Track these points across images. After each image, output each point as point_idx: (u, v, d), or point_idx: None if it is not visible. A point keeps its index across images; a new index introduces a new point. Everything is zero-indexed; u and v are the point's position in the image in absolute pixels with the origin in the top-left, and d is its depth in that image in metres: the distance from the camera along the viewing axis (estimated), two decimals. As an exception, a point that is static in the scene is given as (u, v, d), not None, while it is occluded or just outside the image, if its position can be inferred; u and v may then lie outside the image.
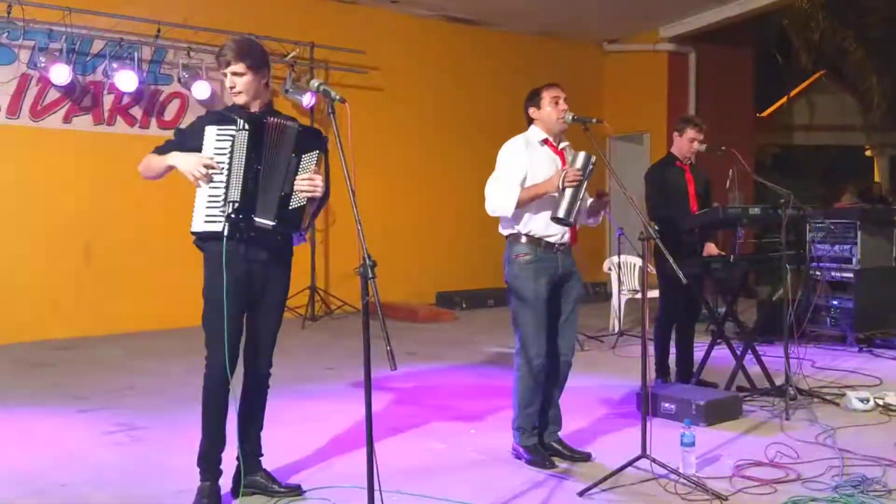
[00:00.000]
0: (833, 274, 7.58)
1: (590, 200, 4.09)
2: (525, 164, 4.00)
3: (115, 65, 7.87)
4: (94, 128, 8.15)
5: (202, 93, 8.35)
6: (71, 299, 7.98)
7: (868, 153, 19.29)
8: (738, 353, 5.45)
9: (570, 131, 4.16)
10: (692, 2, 11.12)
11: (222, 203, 3.31)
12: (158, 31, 8.11)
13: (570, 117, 4.03)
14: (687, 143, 5.50)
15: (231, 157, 3.31)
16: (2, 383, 5.98)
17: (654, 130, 12.55)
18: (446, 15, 10.67)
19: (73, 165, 8.00)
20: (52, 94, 7.85)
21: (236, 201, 3.31)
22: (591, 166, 3.89)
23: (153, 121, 8.55)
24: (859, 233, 7.42)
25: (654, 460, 3.72)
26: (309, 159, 3.44)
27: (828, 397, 5.35)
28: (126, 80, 7.79)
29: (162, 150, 3.44)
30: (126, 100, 8.31)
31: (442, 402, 5.46)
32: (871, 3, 16.58)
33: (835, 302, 7.51)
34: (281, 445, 4.14)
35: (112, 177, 7.88)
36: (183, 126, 3.68)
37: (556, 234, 4.02)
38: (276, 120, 3.41)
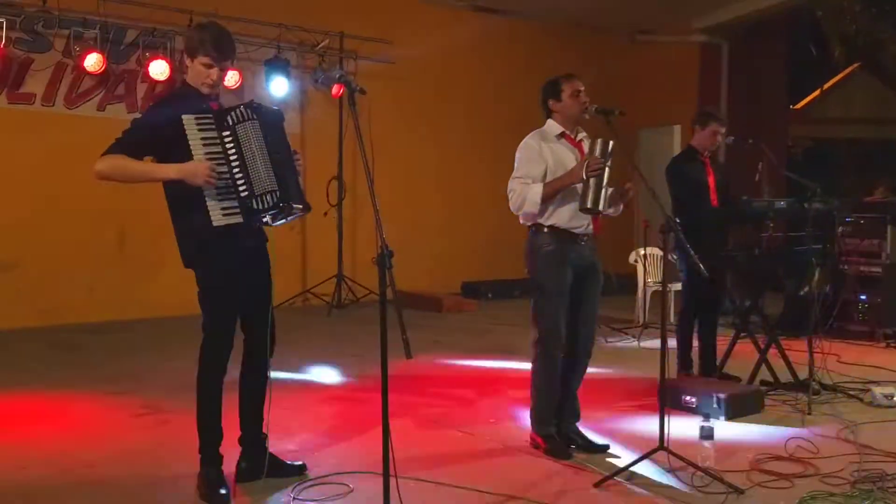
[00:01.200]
0: (862, 269, 7.50)
1: (611, 190, 4.11)
2: (545, 159, 4.03)
3: (147, 54, 7.98)
4: (127, 115, 8.26)
5: (232, 80, 8.44)
6: (106, 283, 8.14)
7: (904, 146, 18.96)
8: (763, 346, 5.43)
9: (588, 121, 4.16)
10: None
11: (246, 194, 3.30)
12: (191, 20, 8.19)
13: (593, 109, 4.04)
14: (710, 137, 5.47)
15: (238, 146, 3.30)
16: (37, 365, 6.14)
17: (683, 123, 12.40)
18: (474, 4, 10.67)
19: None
20: (87, 83, 8.00)
21: (276, 190, 3.31)
22: (610, 152, 3.90)
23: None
24: (889, 227, 7.33)
25: (671, 453, 3.73)
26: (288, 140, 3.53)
27: (852, 392, 5.32)
28: (158, 68, 7.90)
29: (127, 146, 3.32)
30: (159, 88, 8.43)
31: (462, 392, 5.50)
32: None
33: (863, 297, 7.44)
34: (298, 431, 4.23)
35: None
36: (139, 117, 3.58)
37: (581, 224, 4.04)
38: (275, 108, 3.50)
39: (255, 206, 3.31)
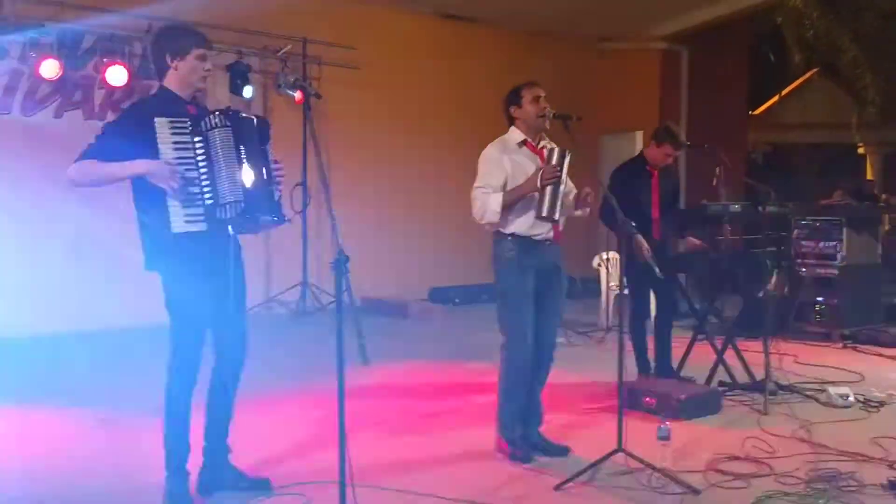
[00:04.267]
0: (818, 271, 7.64)
1: (573, 193, 4.14)
2: (504, 168, 4.07)
3: (105, 59, 7.89)
4: (85, 122, 8.18)
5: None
6: (61, 294, 8.01)
7: (861, 151, 19.36)
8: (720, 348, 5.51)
9: (555, 131, 4.19)
10: (684, 1, 11.15)
11: (211, 202, 3.28)
12: (149, 26, 8.12)
13: (552, 114, 4.08)
14: (662, 156, 5.55)
15: (208, 153, 3.28)
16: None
17: (645, 128, 12.53)
18: (440, 12, 10.71)
19: (64, 159, 8.02)
20: (44, 89, 7.88)
21: (240, 201, 3.29)
22: (566, 161, 3.95)
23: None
24: (844, 230, 7.48)
25: (629, 454, 3.77)
26: (269, 148, 3.49)
27: (808, 393, 5.40)
28: (116, 74, 7.82)
29: (98, 151, 3.30)
30: (117, 94, 8.34)
31: (427, 398, 5.51)
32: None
33: (820, 298, 7.57)
34: (256, 442, 4.20)
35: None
36: (111, 121, 3.54)
37: (541, 231, 4.09)
38: (249, 116, 3.46)
39: (218, 215, 3.28)
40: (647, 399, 4.95)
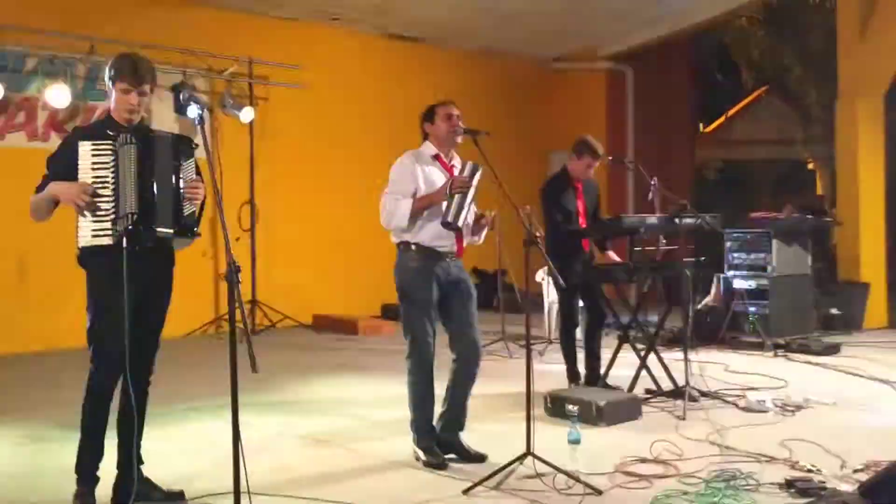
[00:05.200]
0: (750, 282, 7.85)
1: (473, 215, 4.28)
2: (416, 177, 4.20)
3: (46, 81, 7.93)
4: (28, 143, 8.21)
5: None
6: (6, 315, 7.99)
7: (810, 166, 19.79)
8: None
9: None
10: (626, 22, 11.41)
11: (114, 216, 3.38)
12: (92, 47, 8.19)
13: (462, 130, 4.23)
14: (583, 168, 5.76)
15: (117, 170, 3.38)
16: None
17: (594, 145, 12.83)
18: (386, 32, 10.88)
19: (7, 181, 8.04)
20: (-18, 113, 7.91)
21: (135, 213, 3.38)
22: (477, 175, 4.09)
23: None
24: (773, 242, 7.70)
25: (537, 458, 3.89)
26: (188, 166, 3.59)
27: (728, 399, 5.56)
28: (57, 95, 7.86)
29: (43, 183, 3.46)
30: (61, 115, 8.37)
31: (360, 411, 5.58)
32: (809, 18, 17.05)
33: (752, 309, 7.77)
34: (175, 456, 4.25)
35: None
36: (53, 154, 3.60)
37: (445, 244, 4.21)
38: (160, 131, 3.56)
39: (118, 227, 3.37)
40: (570, 406, 5.06)
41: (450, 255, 4.26)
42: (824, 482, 3.74)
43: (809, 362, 7.08)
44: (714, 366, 6.90)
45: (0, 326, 7.97)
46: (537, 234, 3.96)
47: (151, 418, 3.84)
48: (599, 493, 3.72)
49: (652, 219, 5.31)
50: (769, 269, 7.73)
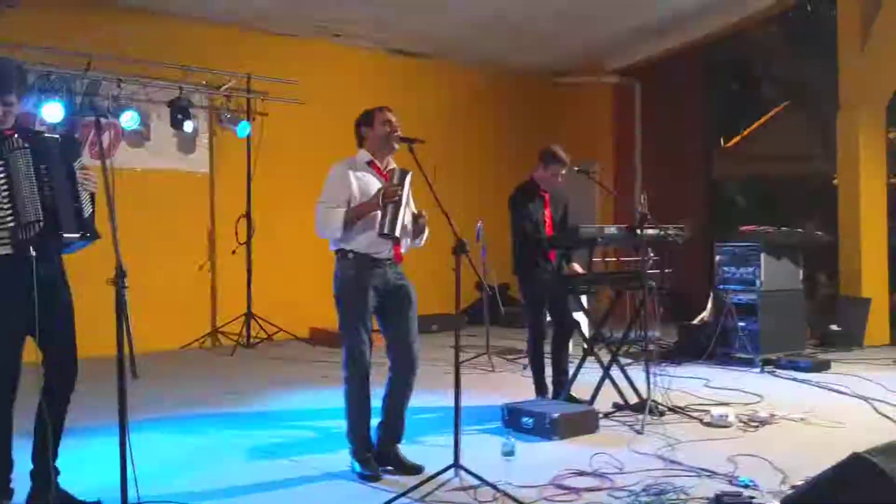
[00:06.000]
0: (740, 297, 7.71)
1: (409, 219, 4.27)
2: (350, 186, 4.20)
3: (43, 97, 8.10)
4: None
5: (130, 122, 8.59)
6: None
7: (836, 182, 19.41)
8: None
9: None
10: (632, 35, 11.34)
11: (13, 224, 3.35)
12: (89, 64, 8.36)
13: (397, 137, 4.24)
14: (550, 177, 5.73)
15: (11, 178, 3.35)
16: None
17: (601, 160, 12.76)
18: (387, 47, 10.94)
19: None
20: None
21: (40, 220, 3.38)
22: (407, 180, 4.09)
23: (86, 151, 8.78)
24: (763, 256, 7.56)
25: (464, 469, 3.86)
26: (78, 165, 3.58)
27: (693, 414, 5.46)
28: (52, 111, 8.02)
29: None
30: (59, 131, 8.53)
31: (320, 423, 5.53)
32: (830, 26, 16.73)
33: (742, 324, 7.63)
34: (103, 466, 4.24)
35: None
36: None
37: (381, 251, 4.21)
38: (52, 136, 3.57)
39: (20, 235, 3.35)
40: (525, 419, 5.03)
41: (388, 262, 4.24)
42: (753, 497, 3.64)
43: (795, 379, 6.92)
44: (695, 381, 6.79)
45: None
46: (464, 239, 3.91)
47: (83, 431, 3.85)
48: (522, 504, 3.68)
49: (611, 229, 5.25)
50: (758, 283, 7.57)
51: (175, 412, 5.82)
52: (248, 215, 9.57)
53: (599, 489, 3.91)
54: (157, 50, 8.88)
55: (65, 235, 3.45)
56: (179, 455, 4.70)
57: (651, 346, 5.79)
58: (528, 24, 10.13)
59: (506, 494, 3.73)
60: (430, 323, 10.49)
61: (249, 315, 9.45)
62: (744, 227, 7.84)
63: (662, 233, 5.37)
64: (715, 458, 4.39)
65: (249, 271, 9.51)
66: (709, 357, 7.73)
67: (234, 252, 9.38)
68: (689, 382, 6.69)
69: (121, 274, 3.00)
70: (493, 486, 3.77)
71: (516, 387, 6.44)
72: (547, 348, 5.79)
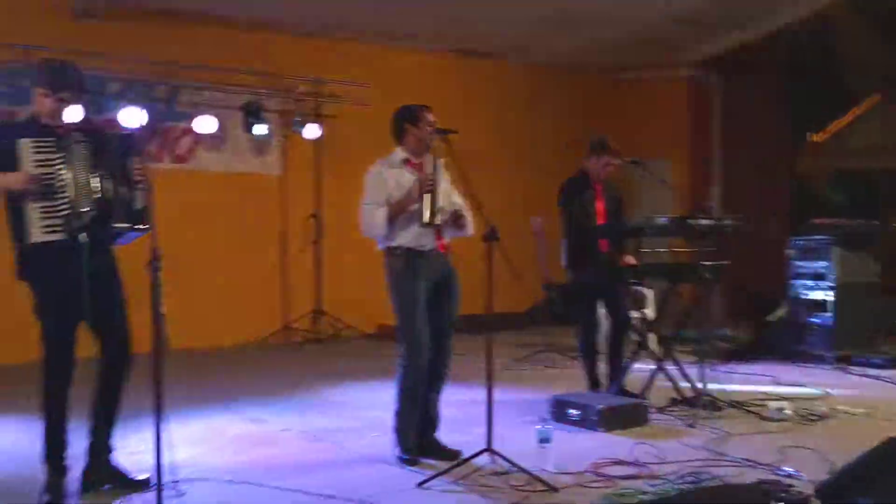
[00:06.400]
0: (812, 292, 7.45)
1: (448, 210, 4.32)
2: (387, 184, 4.28)
3: (123, 104, 8.50)
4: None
5: (207, 127, 8.93)
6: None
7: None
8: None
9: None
10: (708, 28, 11.08)
11: (67, 212, 3.54)
12: (169, 71, 8.73)
13: (434, 131, 4.31)
14: (601, 167, 5.66)
15: (66, 167, 3.55)
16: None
17: (674, 157, 12.49)
18: (454, 48, 11.01)
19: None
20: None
21: (92, 209, 3.58)
22: (439, 168, 4.19)
23: (166, 155, 9.18)
24: (836, 249, 7.29)
25: (496, 453, 3.88)
26: (134, 162, 3.73)
27: (752, 409, 5.31)
28: (131, 117, 8.40)
29: None
30: (119, 130, 8.92)
31: (375, 413, 5.61)
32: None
33: (815, 319, 7.37)
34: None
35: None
36: None
37: (426, 242, 4.26)
38: (111, 133, 3.76)
39: (74, 223, 3.54)
40: (571, 411, 5.00)
41: (433, 253, 4.30)
42: (792, 485, 3.53)
43: (866, 375, 6.67)
44: (763, 377, 6.62)
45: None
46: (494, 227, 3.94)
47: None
48: (555, 489, 3.68)
49: (661, 219, 5.16)
50: (830, 277, 7.30)
51: (236, 399, 6.02)
52: (316, 215, 9.80)
53: (636, 477, 3.87)
54: (231, 57, 9.18)
55: (114, 225, 3.63)
56: (231, 438, 4.87)
57: (708, 342, 5.67)
58: (593, 19, 10.03)
59: (537, 479, 3.73)
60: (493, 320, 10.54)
61: (319, 311, 9.68)
62: (818, 220, 7.58)
63: (717, 223, 5.25)
64: (764, 450, 4.29)
65: (318, 269, 9.75)
66: (781, 354, 7.50)
67: (301, 251, 9.64)
68: (755, 379, 6.53)
69: (156, 256, 3.14)
70: (525, 471, 3.78)
71: (570, 381, 6.40)
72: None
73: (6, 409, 5.46)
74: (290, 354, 8.65)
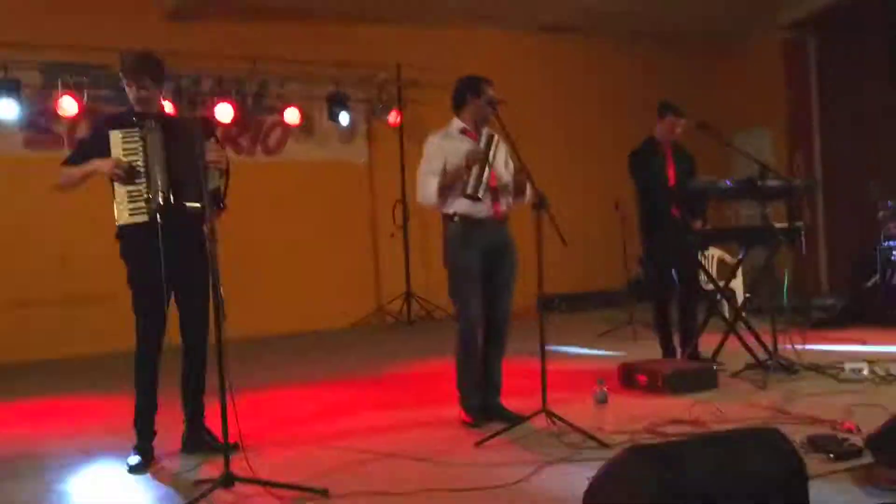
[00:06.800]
0: (907, 254, 7.16)
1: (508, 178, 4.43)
2: (442, 155, 4.40)
3: (215, 99, 8.97)
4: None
5: (294, 118, 9.31)
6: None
7: None
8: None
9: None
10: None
11: (147, 196, 3.86)
12: (255, 65, 9.14)
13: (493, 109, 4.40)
14: (668, 128, 5.63)
15: (146, 154, 3.87)
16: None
17: (773, 124, 12.13)
18: (536, 25, 10.99)
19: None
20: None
21: (165, 191, 3.87)
22: (493, 143, 4.26)
23: (258, 148, 9.62)
24: (927, 211, 6.98)
25: (551, 414, 3.99)
26: (209, 144, 3.94)
27: (830, 371, 5.20)
28: (224, 112, 8.86)
29: (73, 161, 3.96)
30: (234, 131, 9.42)
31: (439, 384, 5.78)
32: None
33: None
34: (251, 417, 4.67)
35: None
36: (84, 138, 4.13)
37: (481, 210, 4.38)
38: (181, 118, 4.03)
39: (153, 205, 3.85)
40: (639, 377, 5.04)
41: (489, 221, 4.41)
42: (846, 439, 3.49)
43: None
44: (851, 342, 6.45)
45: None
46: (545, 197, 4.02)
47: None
48: (607, 446, 3.75)
49: (725, 182, 5.09)
50: (925, 238, 7.00)
51: (322, 377, 6.32)
52: (403, 200, 10.04)
53: (687, 434, 3.89)
54: (315, 49, 9.52)
55: (187, 205, 3.90)
56: (313, 409, 5.15)
57: (801, 308, 5.54)
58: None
59: (591, 436, 3.82)
60: (590, 299, 10.56)
61: (409, 294, 9.94)
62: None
63: (787, 184, 5.15)
64: (832, 409, 4.22)
65: (407, 253, 10.00)
66: (875, 319, 7.26)
67: (392, 235, 9.90)
68: (843, 343, 6.37)
69: (213, 231, 3.40)
70: (579, 430, 3.87)
71: (649, 352, 6.38)
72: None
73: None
74: (383, 336, 8.94)
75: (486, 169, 4.25)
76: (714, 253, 8.16)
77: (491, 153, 4.28)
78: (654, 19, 11.15)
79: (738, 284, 7.62)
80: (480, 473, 3.52)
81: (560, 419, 3.96)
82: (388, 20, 10.09)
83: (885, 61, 12.84)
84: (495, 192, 4.38)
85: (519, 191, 4.48)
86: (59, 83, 8.21)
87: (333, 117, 9.53)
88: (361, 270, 10.07)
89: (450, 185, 4.36)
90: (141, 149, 3.90)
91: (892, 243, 7.33)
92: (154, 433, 4.07)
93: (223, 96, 9.08)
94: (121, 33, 8.46)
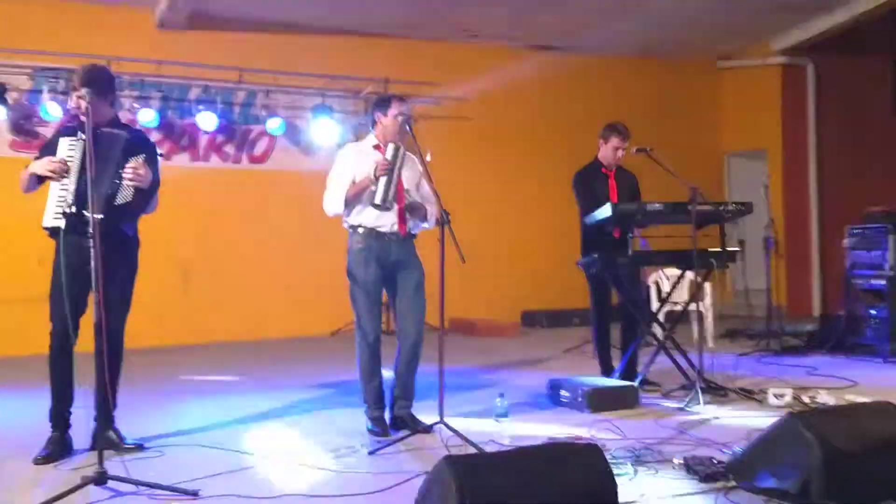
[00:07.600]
0: (869, 282, 7.12)
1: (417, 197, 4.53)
2: (351, 167, 4.51)
3: (201, 107, 9.17)
4: (191, 164, 9.51)
5: (279, 129, 9.49)
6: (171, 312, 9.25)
7: None
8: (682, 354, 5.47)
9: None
10: (798, 12, 10.66)
11: (65, 202, 4.00)
12: (240, 76, 9.34)
13: (402, 120, 4.51)
14: (611, 151, 5.68)
15: (73, 164, 4.02)
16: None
17: (770, 147, 12.11)
18: (527, 43, 11.07)
19: (173, 198, 9.36)
20: (154, 136, 9.29)
21: (70, 200, 4.00)
22: (399, 155, 4.37)
23: (244, 156, 9.81)
24: (891, 237, 6.93)
25: (447, 426, 4.07)
26: (134, 161, 4.12)
27: (757, 396, 5.22)
28: (207, 120, 9.06)
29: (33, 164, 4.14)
30: (220, 139, 9.62)
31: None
32: None
33: (872, 311, 7.04)
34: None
35: (207, 205, 9.31)
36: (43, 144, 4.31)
37: (385, 224, 4.48)
38: (106, 130, 4.16)
39: (65, 212, 3.99)
40: (563, 393, 5.09)
41: (392, 236, 4.51)
42: (721, 462, 3.52)
43: (916, 370, 6.33)
44: (800, 369, 6.45)
45: (167, 321, 9.28)
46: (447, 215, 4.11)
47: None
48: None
49: (655, 205, 5.12)
50: (886, 267, 6.95)
51: (258, 385, 6.44)
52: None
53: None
54: (301, 61, 9.71)
55: (87, 214, 4.00)
56: (231, 414, 5.26)
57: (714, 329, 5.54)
58: (680, 7, 9.83)
59: (477, 448, 3.88)
60: (571, 317, 10.60)
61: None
62: (873, 208, 7.23)
63: (717, 208, 5.18)
64: (735, 432, 4.24)
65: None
66: (837, 347, 7.23)
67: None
68: (792, 370, 6.38)
69: (96, 239, 3.54)
70: (471, 443, 3.94)
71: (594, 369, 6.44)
72: None
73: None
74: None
75: (394, 179, 4.35)
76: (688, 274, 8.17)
77: (397, 164, 4.37)
78: (654, 42, 11.20)
79: (706, 306, 7.64)
80: (355, 480, 3.61)
81: (455, 431, 4.03)
82: (376, 34, 10.24)
83: (887, 87, 12.81)
84: (401, 210, 4.48)
85: (421, 214, 4.58)
86: (46, 88, 8.47)
87: (319, 128, 9.69)
88: (340, 280, 10.17)
89: (356, 195, 4.46)
90: (77, 157, 4.05)
91: (856, 272, 7.26)
92: (69, 424, 4.21)
93: (209, 104, 9.30)
94: (110, 43, 8.73)
